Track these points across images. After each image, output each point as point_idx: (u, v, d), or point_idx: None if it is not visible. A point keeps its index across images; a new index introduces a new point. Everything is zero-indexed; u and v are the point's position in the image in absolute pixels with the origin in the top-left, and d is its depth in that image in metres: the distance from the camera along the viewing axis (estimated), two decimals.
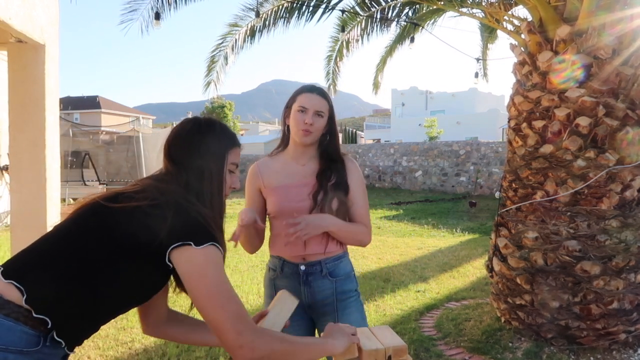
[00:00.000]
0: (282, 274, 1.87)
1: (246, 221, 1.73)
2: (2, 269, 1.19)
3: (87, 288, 1.16)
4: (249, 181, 1.95)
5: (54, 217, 4.19)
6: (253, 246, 1.91)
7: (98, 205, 1.24)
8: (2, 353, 1.09)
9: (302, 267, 1.83)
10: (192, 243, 1.15)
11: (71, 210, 1.30)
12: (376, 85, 7.32)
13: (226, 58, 6.05)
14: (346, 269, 1.88)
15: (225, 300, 1.14)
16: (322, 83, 7.04)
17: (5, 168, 8.81)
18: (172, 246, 1.15)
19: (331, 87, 6.92)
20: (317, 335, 1.93)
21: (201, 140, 1.34)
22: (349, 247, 1.94)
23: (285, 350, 1.19)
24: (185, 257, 1.16)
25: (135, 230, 1.17)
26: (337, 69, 6.81)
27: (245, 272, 5.82)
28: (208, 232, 1.18)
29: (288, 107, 1.87)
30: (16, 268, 1.18)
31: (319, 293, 1.84)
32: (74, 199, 14.39)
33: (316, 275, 1.83)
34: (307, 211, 1.79)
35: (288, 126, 1.87)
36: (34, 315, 1.11)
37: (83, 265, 1.17)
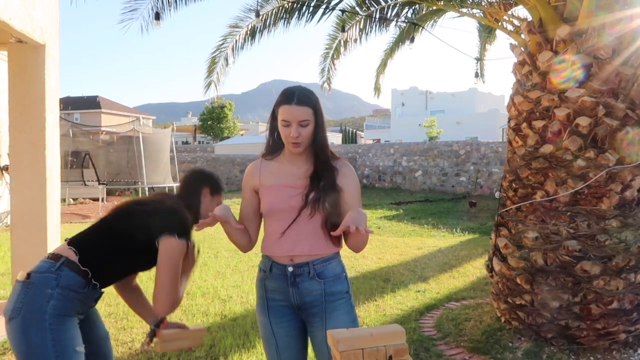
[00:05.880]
0: (271, 275, 1.88)
1: (217, 217, 1.80)
2: (67, 239, 2.01)
3: (114, 255, 1.99)
4: (245, 180, 1.97)
5: (54, 216, 4.18)
6: (240, 245, 1.95)
7: (129, 205, 2.08)
8: (67, 290, 1.87)
9: (290, 269, 1.83)
10: (176, 235, 1.93)
11: (109, 209, 2.14)
12: (377, 89, 7.31)
13: (226, 59, 6.06)
14: (335, 271, 1.87)
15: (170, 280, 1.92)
16: (317, 81, 7.05)
17: (6, 168, 8.81)
18: (160, 236, 1.93)
19: (325, 84, 6.90)
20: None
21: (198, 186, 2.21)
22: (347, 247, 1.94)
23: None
24: (162, 244, 1.93)
25: (147, 224, 1.97)
26: (332, 67, 6.79)
27: (246, 272, 5.83)
28: (184, 230, 1.98)
29: (274, 116, 1.85)
30: (75, 239, 2.00)
31: (307, 295, 1.83)
32: (74, 199, 14.39)
33: (304, 277, 1.82)
34: (298, 210, 1.81)
35: (278, 133, 1.86)
36: (81, 267, 1.90)
37: (114, 242, 1.99)
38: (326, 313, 1.83)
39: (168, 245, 1.92)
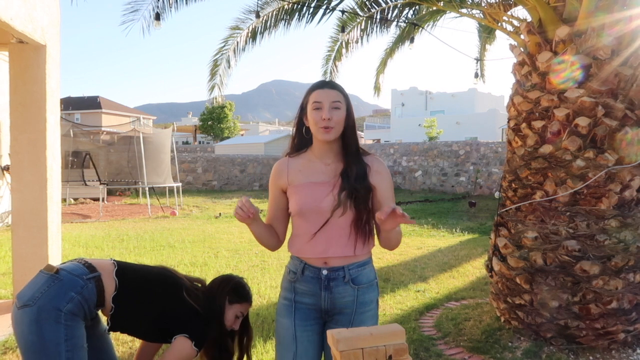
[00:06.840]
0: (302, 277, 1.82)
1: (244, 210, 1.71)
2: (114, 260, 2.13)
3: (142, 317, 2.13)
4: (273, 180, 1.90)
5: (54, 216, 4.19)
6: (269, 245, 1.92)
7: (182, 288, 2.21)
8: (85, 301, 1.94)
9: (325, 272, 1.78)
10: (188, 336, 2.11)
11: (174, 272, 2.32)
12: (377, 89, 7.32)
13: (228, 61, 6.07)
14: (369, 277, 1.84)
15: None
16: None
17: (7, 168, 8.82)
18: (181, 334, 2.11)
19: None
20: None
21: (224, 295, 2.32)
22: None
23: None
24: (179, 341, 2.10)
25: (183, 322, 2.14)
26: (335, 69, 6.80)
27: (246, 272, 5.83)
28: (201, 336, 2.15)
29: (303, 107, 1.83)
30: (124, 276, 2.08)
31: (339, 300, 1.80)
32: (75, 199, 14.38)
33: (338, 281, 1.78)
34: (330, 210, 1.75)
35: (307, 127, 1.82)
36: (110, 302, 2.02)
37: (151, 308, 2.13)
38: (353, 324, 1.79)
39: (182, 346, 2.08)
